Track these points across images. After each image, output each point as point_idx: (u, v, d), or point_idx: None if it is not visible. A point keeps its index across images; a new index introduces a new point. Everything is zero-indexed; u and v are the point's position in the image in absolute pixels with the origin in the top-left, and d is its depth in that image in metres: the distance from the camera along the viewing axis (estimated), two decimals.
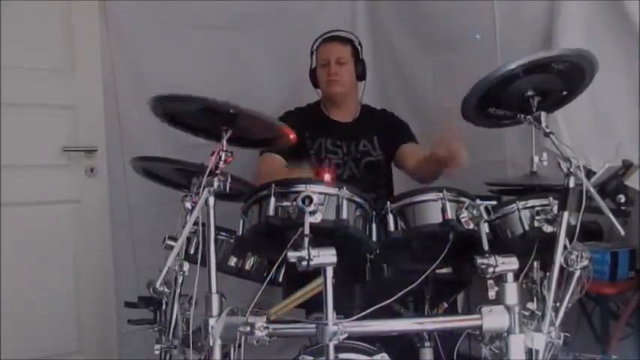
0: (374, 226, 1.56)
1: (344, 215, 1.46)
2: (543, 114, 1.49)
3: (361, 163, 2.44)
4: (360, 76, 2.50)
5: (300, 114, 2.47)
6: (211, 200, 1.50)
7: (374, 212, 1.57)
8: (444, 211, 1.50)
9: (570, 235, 1.42)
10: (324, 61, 2.45)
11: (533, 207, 1.55)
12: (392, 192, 2.54)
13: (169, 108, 1.61)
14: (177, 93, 1.51)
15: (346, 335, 1.37)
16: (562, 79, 1.50)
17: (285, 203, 1.44)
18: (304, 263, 1.31)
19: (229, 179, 1.50)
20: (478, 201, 1.51)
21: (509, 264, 1.42)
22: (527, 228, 1.54)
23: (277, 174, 2.06)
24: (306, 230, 1.36)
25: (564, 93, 1.56)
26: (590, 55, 1.46)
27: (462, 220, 1.49)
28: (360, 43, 2.53)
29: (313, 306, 1.57)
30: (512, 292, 1.43)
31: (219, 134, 1.52)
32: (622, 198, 1.62)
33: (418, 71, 3.09)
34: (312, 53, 2.53)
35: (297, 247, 1.34)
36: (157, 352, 1.74)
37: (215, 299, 1.49)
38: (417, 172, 2.38)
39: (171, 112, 1.63)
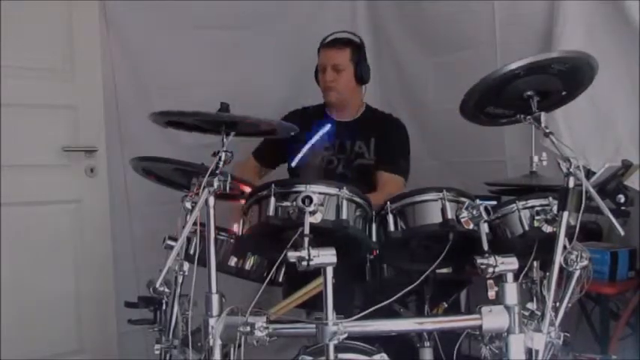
0: (374, 226, 1.56)
1: (344, 215, 1.46)
2: (543, 114, 1.49)
3: (353, 164, 2.40)
4: (361, 79, 2.43)
5: (303, 114, 2.47)
6: (211, 200, 1.50)
7: (374, 212, 1.57)
8: (443, 211, 1.51)
9: (570, 235, 1.42)
10: (321, 66, 2.44)
11: (533, 207, 1.55)
12: None
13: (169, 120, 1.63)
14: (173, 109, 1.53)
15: (346, 335, 1.37)
16: (561, 79, 1.50)
17: (285, 203, 1.44)
18: (304, 263, 1.31)
19: (229, 179, 1.50)
20: (478, 201, 1.51)
21: (509, 264, 1.42)
22: (527, 228, 1.54)
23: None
24: (306, 230, 1.36)
25: (563, 93, 1.56)
26: (590, 58, 1.46)
27: (462, 220, 1.49)
28: (361, 45, 2.46)
29: (314, 306, 1.57)
30: (512, 292, 1.43)
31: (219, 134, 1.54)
32: (622, 198, 1.62)
33: (418, 72, 3.09)
34: (319, 52, 2.49)
35: (297, 247, 1.34)
36: (157, 352, 1.74)
37: (215, 299, 1.49)
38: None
39: (171, 121, 1.64)
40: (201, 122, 1.59)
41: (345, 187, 1.50)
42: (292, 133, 1.69)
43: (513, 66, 1.43)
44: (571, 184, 1.40)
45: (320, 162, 2.41)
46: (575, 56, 1.48)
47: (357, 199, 1.53)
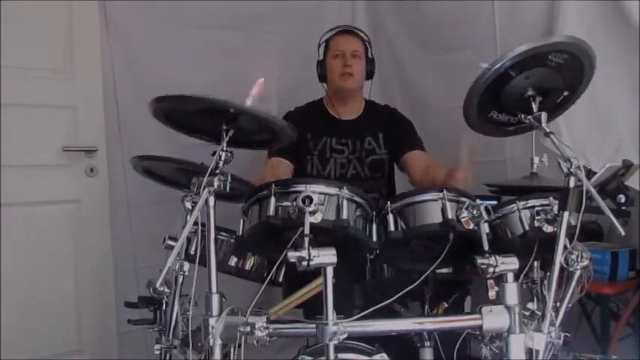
0: (374, 226, 1.55)
1: (344, 215, 1.46)
2: (544, 114, 1.48)
3: (366, 161, 2.42)
4: (369, 74, 2.48)
5: (300, 114, 2.44)
6: (211, 200, 1.50)
7: (374, 212, 1.57)
8: (444, 211, 1.50)
9: (570, 235, 1.42)
10: (338, 51, 2.40)
11: (533, 207, 1.55)
12: (394, 191, 2.53)
13: (169, 109, 1.61)
14: (178, 93, 1.51)
15: (346, 335, 1.37)
16: (561, 74, 1.49)
17: (285, 203, 1.44)
18: (304, 263, 1.31)
19: (229, 179, 1.50)
20: (478, 201, 1.50)
21: (509, 264, 1.41)
22: (527, 228, 1.54)
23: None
24: (306, 230, 1.36)
25: (565, 93, 1.56)
26: (586, 45, 1.45)
27: (462, 220, 1.49)
28: (369, 42, 2.49)
29: (313, 308, 1.57)
30: (512, 292, 1.43)
31: (219, 135, 1.52)
32: (622, 198, 1.62)
33: (418, 71, 3.10)
34: (319, 46, 2.48)
35: (297, 247, 1.33)
36: (157, 352, 1.74)
37: (215, 299, 1.49)
38: (420, 184, 2.34)
39: (171, 114, 1.63)
40: (201, 118, 1.57)
41: (345, 187, 1.49)
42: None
43: (508, 57, 1.41)
44: (572, 184, 1.40)
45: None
46: (570, 42, 1.45)
47: (358, 199, 1.52)
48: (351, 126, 2.46)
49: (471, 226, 1.48)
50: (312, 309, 1.55)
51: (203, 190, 1.48)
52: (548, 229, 1.50)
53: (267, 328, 1.42)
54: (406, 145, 2.44)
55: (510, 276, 1.43)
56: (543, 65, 1.46)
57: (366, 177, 2.41)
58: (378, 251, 1.60)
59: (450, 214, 1.49)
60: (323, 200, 1.44)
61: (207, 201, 1.49)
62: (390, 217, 1.53)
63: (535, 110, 1.48)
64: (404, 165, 2.45)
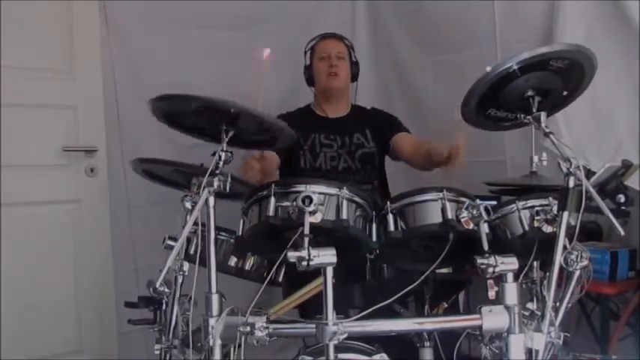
0: (374, 226, 1.56)
1: (344, 215, 1.46)
2: (543, 114, 1.48)
3: (356, 155, 2.47)
4: (354, 76, 2.56)
5: (289, 116, 2.48)
6: (211, 200, 1.50)
7: (374, 212, 1.57)
8: (443, 211, 1.50)
9: (570, 235, 1.42)
10: (323, 54, 2.50)
11: (533, 207, 1.55)
12: (386, 184, 2.58)
13: (169, 109, 1.61)
14: (178, 92, 1.51)
15: (346, 335, 1.37)
16: (561, 77, 1.49)
17: (285, 203, 1.44)
18: (304, 263, 1.31)
19: (229, 179, 1.50)
20: (478, 201, 1.51)
21: (509, 264, 1.42)
22: (527, 228, 1.54)
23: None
24: (306, 230, 1.36)
25: (565, 93, 1.56)
26: (589, 52, 1.46)
27: (462, 220, 1.49)
28: (352, 47, 2.58)
29: (310, 309, 1.57)
30: (512, 292, 1.43)
31: (219, 135, 1.52)
32: (622, 198, 1.62)
33: (418, 71, 3.10)
34: (305, 52, 2.56)
35: (297, 247, 1.33)
36: (157, 352, 1.74)
37: (215, 299, 1.49)
38: (413, 160, 2.46)
39: (171, 113, 1.63)
40: (201, 118, 1.57)
41: (345, 187, 1.49)
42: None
43: (511, 62, 1.42)
44: (571, 184, 1.40)
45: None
46: (572, 49, 1.47)
47: (357, 199, 1.52)
48: (339, 123, 2.53)
49: (471, 226, 1.48)
50: (308, 309, 1.55)
51: (203, 190, 1.48)
52: (547, 229, 1.50)
53: (267, 328, 1.42)
54: (392, 130, 2.53)
55: (510, 276, 1.43)
56: (544, 69, 1.46)
57: (357, 169, 2.46)
58: (378, 251, 1.61)
59: (450, 214, 1.49)
60: (323, 200, 1.44)
61: (207, 201, 1.50)
62: (390, 217, 1.53)
63: (534, 110, 1.49)
64: (394, 148, 2.52)
